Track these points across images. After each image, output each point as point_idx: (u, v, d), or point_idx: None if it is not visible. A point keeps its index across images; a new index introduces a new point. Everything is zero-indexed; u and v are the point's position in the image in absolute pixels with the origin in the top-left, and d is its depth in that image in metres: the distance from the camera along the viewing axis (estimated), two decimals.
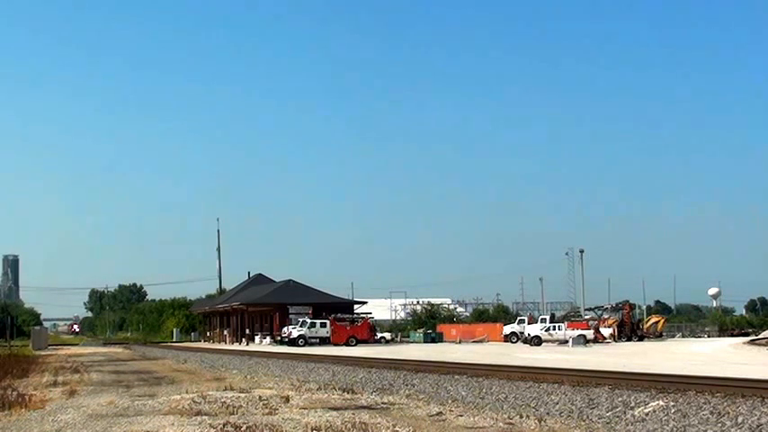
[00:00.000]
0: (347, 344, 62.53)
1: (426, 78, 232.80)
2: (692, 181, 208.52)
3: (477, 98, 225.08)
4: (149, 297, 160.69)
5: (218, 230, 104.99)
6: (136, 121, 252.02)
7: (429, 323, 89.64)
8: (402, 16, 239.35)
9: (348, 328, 66.09)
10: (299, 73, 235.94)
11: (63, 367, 36.59)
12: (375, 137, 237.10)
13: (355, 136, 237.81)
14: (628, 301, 69.01)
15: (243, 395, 19.15)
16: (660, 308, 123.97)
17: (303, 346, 59.65)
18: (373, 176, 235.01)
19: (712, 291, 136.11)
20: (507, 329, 68.18)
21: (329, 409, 15.96)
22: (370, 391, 20.53)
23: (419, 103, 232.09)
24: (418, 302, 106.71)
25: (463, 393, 18.63)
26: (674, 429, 12.65)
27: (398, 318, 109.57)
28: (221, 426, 13.45)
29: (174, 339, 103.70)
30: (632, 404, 14.55)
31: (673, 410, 13.54)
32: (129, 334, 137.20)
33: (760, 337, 58.75)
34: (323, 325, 64.22)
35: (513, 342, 63.49)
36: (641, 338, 63.77)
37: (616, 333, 62.03)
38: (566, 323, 60.45)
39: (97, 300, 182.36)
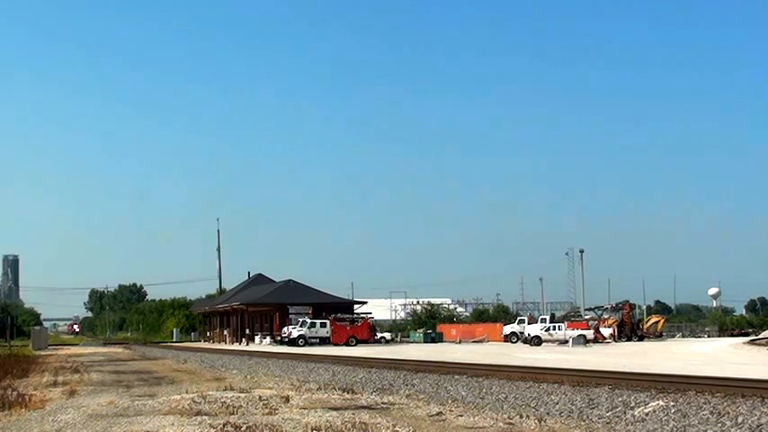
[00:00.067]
0: (347, 344, 62.53)
1: (426, 78, 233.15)
2: (692, 181, 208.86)
3: (477, 98, 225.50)
4: (149, 297, 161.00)
5: (218, 230, 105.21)
6: (136, 121, 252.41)
7: (429, 323, 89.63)
8: (402, 16, 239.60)
9: (348, 328, 66.08)
10: (299, 73, 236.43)
11: (63, 367, 36.59)
12: (375, 137, 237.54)
13: (355, 136, 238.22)
14: (628, 301, 69.03)
15: (243, 395, 19.14)
16: (660, 308, 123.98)
17: (303, 346, 59.65)
18: (373, 176, 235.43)
19: (712, 291, 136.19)
20: (507, 329, 68.18)
21: (329, 409, 15.96)
22: (370, 391, 20.53)
23: (419, 103, 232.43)
24: (418, 302, 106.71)
25: (463, 393, 18.63)
26: (674, 429, 12.65)
27: (398, 318, 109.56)
28: (221, 426, 13.45)
29: (174, 339, 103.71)
30: (632, 404, 14.55)
31: (673, 410, 13.54)
32: (129, 334, 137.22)
33: (760, 337, 58.75)
34: (323, 325, 64.21)
35: (513, 342, 63.49)
36: (641, 338, 63.75)
37: (616, 333, 62.02)
38: (566, 323, 60.43)
39: (97, 300, 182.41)
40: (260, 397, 18.47)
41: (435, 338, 72.18)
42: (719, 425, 12.32)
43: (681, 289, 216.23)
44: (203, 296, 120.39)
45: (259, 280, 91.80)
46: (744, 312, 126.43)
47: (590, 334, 55.88)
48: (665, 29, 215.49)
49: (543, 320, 61.92)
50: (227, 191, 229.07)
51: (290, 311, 70.48)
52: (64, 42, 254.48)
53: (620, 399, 15.08)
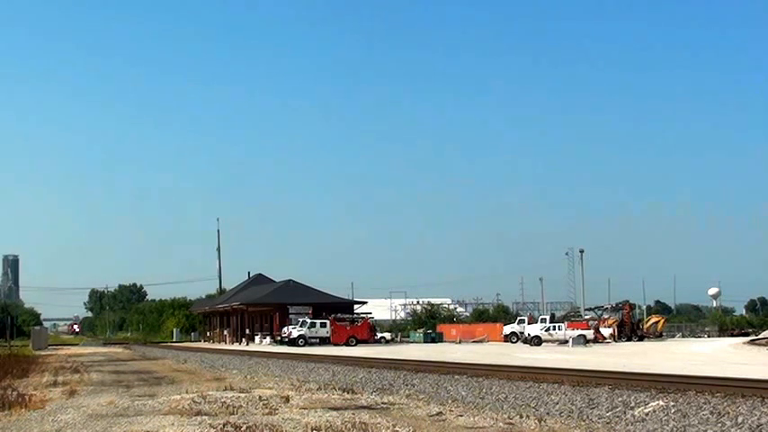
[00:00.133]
0: (347, 344, 62.51)
1: (426, 78, 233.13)
2: (691, 181, 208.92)
3: (477, 98, 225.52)
4: (149, 297, 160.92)
5: (218, 230, 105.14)
6: (136, 121, 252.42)
7: (429, 323, 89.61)
8: (402, 16, 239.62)
9: (348, 328, 66.06)
10: (299, 73, 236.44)
11: (63, 367, 36.59)
12: (375, 137, 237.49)
13: (355, 136, 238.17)
14: (628, 301, 68.99)
15: (243, 395, 19.15)
16: (660, 308, 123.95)
17: (303, 346, 59.64)
18: (373, 176, 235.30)
19: (712, 291, 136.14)
20: (507, 329, 68.16)
21: (329, 409, 15.96)
22: (370, 391, 20.53)
23: (419, 103, 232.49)
24: (418, 302, 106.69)
25: (463, 393, 18.63)
26: (674, 429, 12.65)
27: (398, 318, 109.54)
28: (221, 426, 13.45)
29: (174, 339, 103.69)
30: (632, 404, 14.55)
31: (673, 410, 13.54)
32: (129, 334, 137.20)
33: (760, 337, 58.74)
34: (323, 325, 64.20)
35: (513, 342, 63.47)
36: (641, 338, 63.73)
37: (616, 333, 62.00)
38: (566, 323, 60.41)
39: (97, 300, 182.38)
40: (260, 397, 18.47)
41: (435, 338, 72.16)
42: (719, 425, 12.32)
43: (681, 289, 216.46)
44: (203, 296, 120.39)
45: (259, 280, 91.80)
46: (744, 312, 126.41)
47: (590, 334, 55.87)
48: (665, 29, 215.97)
49: (543, 320, 61.90)
50: (227, 190, 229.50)
51: (290, 311, 70.46)
52: (64, 42, 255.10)
53: (620, 399, 15.08)
